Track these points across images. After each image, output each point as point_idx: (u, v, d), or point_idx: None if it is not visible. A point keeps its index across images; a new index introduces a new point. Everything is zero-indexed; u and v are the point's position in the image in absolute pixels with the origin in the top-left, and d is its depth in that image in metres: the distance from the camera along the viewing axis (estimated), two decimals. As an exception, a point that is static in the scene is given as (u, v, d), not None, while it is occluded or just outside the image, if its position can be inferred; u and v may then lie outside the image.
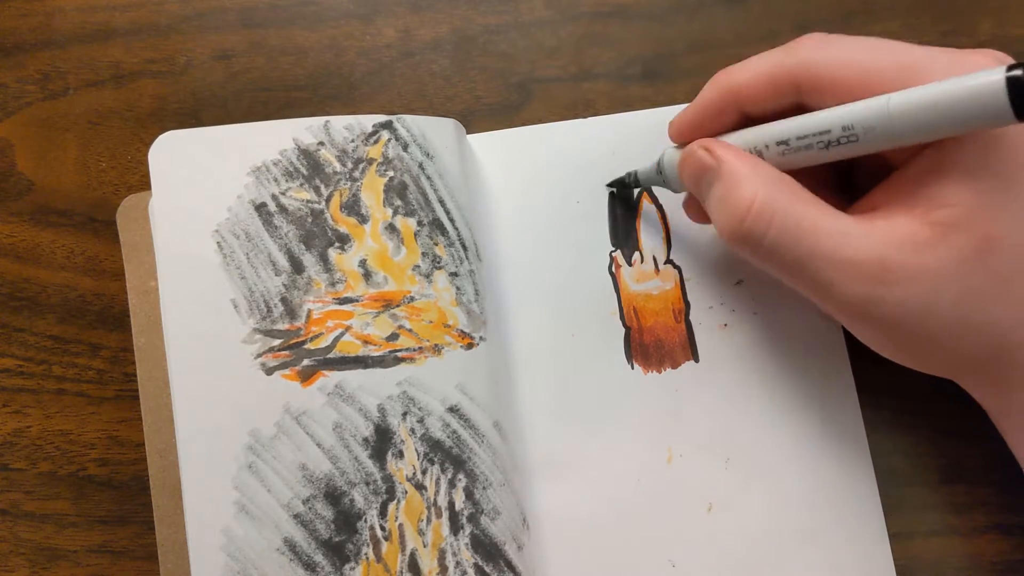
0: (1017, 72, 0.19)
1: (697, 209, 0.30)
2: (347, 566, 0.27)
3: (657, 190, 0.32)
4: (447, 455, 0.28)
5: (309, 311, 0.29)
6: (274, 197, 0.29)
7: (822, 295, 0.24)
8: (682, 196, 0.31)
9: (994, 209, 0.22)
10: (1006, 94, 0.20)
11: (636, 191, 0.32)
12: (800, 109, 0.25)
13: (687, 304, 0.31)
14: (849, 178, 0.28)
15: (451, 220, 0.30)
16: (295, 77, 0.33)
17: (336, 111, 0.33)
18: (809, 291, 0.25)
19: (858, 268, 0.23)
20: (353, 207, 0.29)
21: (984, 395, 0.26)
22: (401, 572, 0.27)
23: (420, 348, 0.29)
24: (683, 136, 0.28)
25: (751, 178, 0.24)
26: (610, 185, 0.32)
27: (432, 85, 0.33)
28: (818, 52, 0.24)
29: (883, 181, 0.25)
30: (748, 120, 0.26)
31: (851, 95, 0.23)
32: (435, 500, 0.28)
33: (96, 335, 0.32)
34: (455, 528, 0.28)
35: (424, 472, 0.28)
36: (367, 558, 0.27)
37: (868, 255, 0.23)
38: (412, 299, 0.29)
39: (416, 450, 0.28)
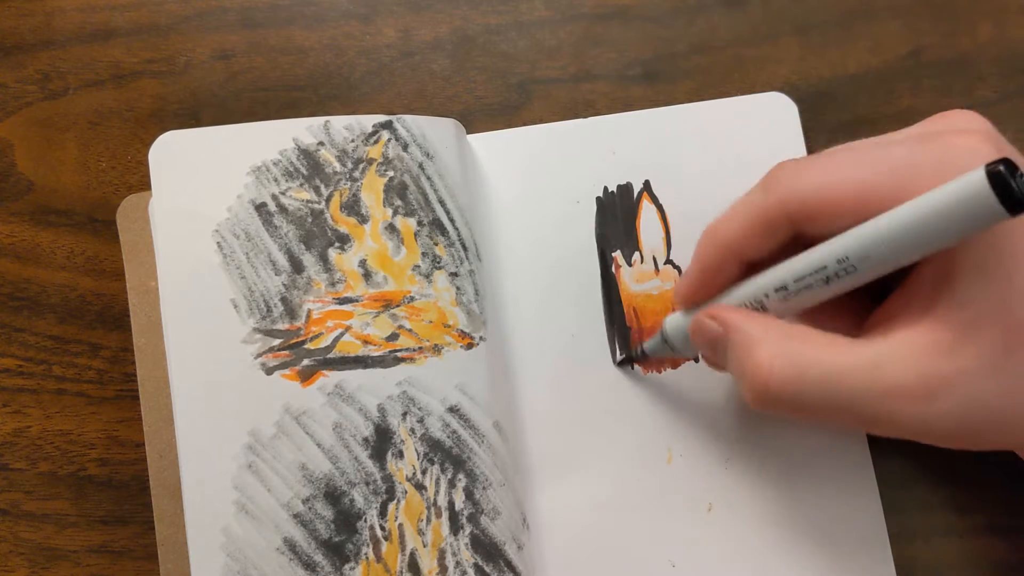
0: (997, 167, 0.19)
1: (716, 362, 0.29)
2: (347, 566, 0.27)
3: (658, 190, 0.32)
4: (447, 455, 0.28)
5: (309, 311, 0.29)
6: (274, 197, 0.29)
7: (874, 429, 0.24)
8: (688, 195, 0.31)
9: (1012, 299, 0.22)
10: (992, 194, 0.19)
11: (636, 192, 0.32)
12: (800, 239, 0.24)
13: (687, 304, 0.31)
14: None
15: (451, 220, 0.30)
16: (295, 77, 0.33)
17: (336, 111, 0.33)
18: (860, 428, 0.24)
19: (902, 393, 0.22)
20: (353, 207, 0.29)
21: None
22: (401, 572, 0.27)
23: (420, 348, 0.29)
24: (689, 301, 0.27)
25: (763, 341, 0.23)
26: (620, 364, 0.31)
27: (432, 85, 0.33)
28: (798, 182, 0.24)
29: (896, 290, 0.24)
30: (750, 266, 0.25)
31: (845, 214, 0.22)
32: (435, 500, 0.28)
33: (96, 335, 0.32)
34: (455, 528, 0.28)
35: (424, 472, 0.28)
36: (367, 558, 0.27)
37: (907, 378, 0.22)
38: (412, 299, 0.29)
39: (416, 450, 0.28)
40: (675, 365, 0.31)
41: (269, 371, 0.28)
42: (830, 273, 0.23)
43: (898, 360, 0.22)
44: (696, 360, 0.30)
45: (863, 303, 0.25)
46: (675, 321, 0.28)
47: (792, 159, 0.25)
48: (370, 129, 0.30)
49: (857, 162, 0.23)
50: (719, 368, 0.28)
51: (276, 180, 0.29)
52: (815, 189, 0.23)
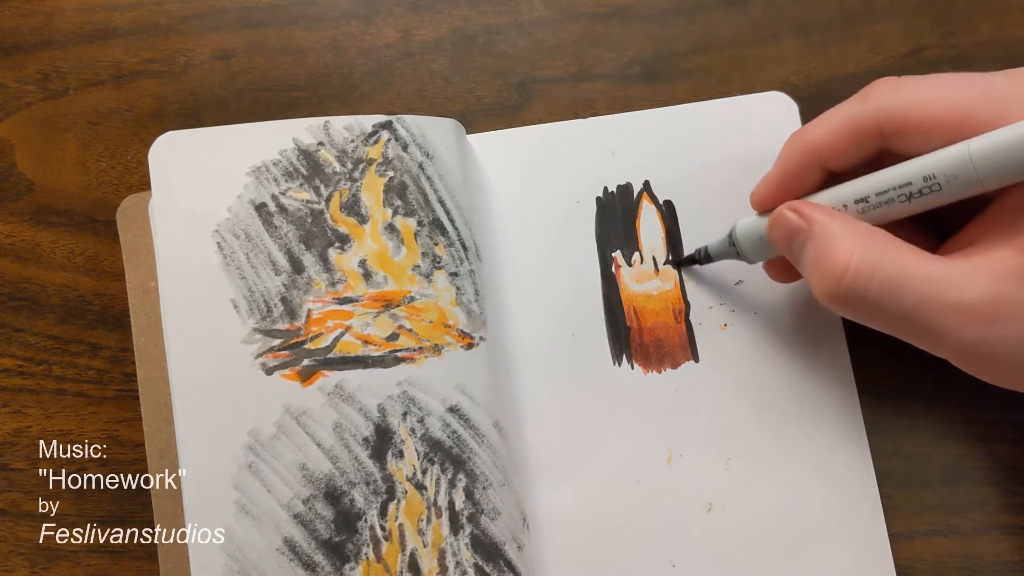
0: None
1: (779, 269, 0.29)
2: (347, 566, 0.27)
3: (658, 190, 0.32)
4: (447, 455, 0.28)
5: (309, 311, 0.29)
6: (274, 197, 0.29)
7: (933, 343, 0.24)
8: (688, 194, 0.31)
9: None
10: None
11: (636, 192, 0.32)
12: (884, 156, 0.25)
13: (687, 304, 0.31)
14: (934, 215, 0.28)
15: (451, 220, 0.30)
16: (295, 77, 0.33)
17: (336, 111, 0.33)
18: (918, 341, 0.24)
19: (968, 311, 0.22)
20: (353, 207, 0.29)
21: None
22: (401, 572, 0.27)
23: (420, 348, 0.29)
24: (767, 203, 0.27)
25: (845, 236, 0.24)
26: (677, 264, 0.31)
27: (432, 85, 0.33)
28: (895, 95, 0.24)
29: (978, 215, 0.24)
30: (831, 176, 0.26)
31: (937, 133, 0.23)
32: (435, 500, 0.28)
33: (96, 335, 0.32)
34: (455, 528, 0.28)
35: (424, 472, 0.28)
36: (367, 558, 0.27)
37: (976, 296, 0.22)
38: (412, 299, 0.29)
39: (416, 450, 0.28)
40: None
41: (269, 371, 0.28)
42: (914, 190, 0.23)
43: (971, 279, 0.22)
44: (751, 262, 0.29)
45: (933, 235, 0.26)
46: (746, 224, 0.28)
47: (891, 77, 0.25)
48: (370, 129, 0.30)
49: (955, 84, 0.23)
50: (780, 276, 0.29)
51: (276, 180, 0.29)
52: (912, 104, 0.24)
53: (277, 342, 0.28)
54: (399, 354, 0.29)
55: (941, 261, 0.23)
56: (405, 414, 0.28)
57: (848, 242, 0.23)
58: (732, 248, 0.29)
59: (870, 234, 0.24)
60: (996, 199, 0.24)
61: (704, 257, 0.30)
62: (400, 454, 0.28)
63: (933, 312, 0.23)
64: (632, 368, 0.31)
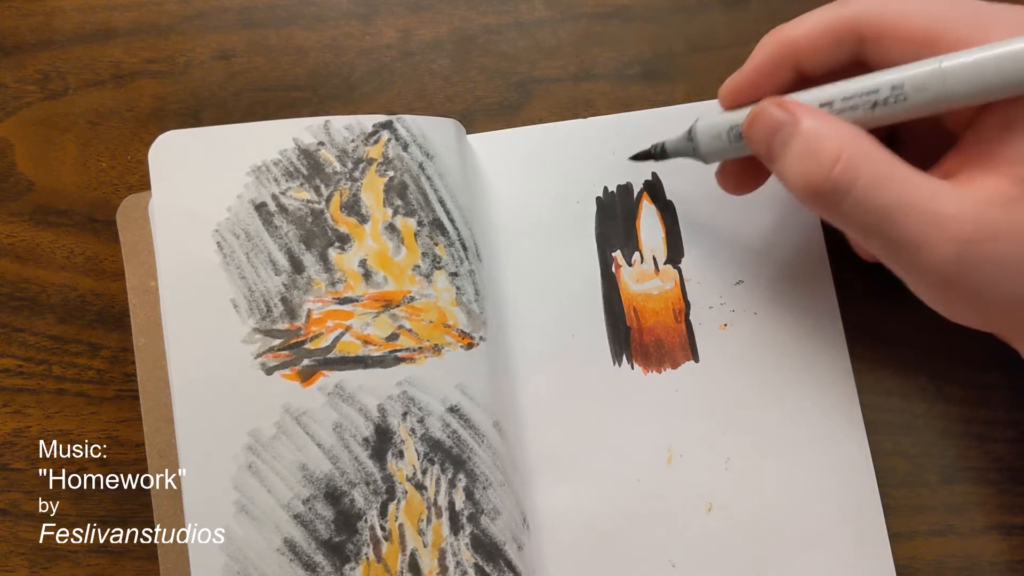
0: None
1: (733, 178, 0.29)
2: (347, 566, 0.27)
3: (657, 189, 0.32)
4: (447, 455, 0.28)
5: (309, 311, 0.29)
6: (274, 197, 0.29)
7: (909, 254, 0.23)
8: (688, 194, 0.31)
9: None
10: None
11: (636, 192, 0.32)
12: (857, 65, 0.24)
13: (687, 304, 0.31)
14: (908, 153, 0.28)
15: (451, 220, 0.30)
16: (295, 77, 0.33)
17: (336, 111, 0.33)
18: (893, 250, 0.23)
19: (952, 224, 0.22)
20: (353, 207, 0.29)
21: None
22: (401, 572, 0.27)
23: (420, 348, 0.29)
24: (736, 99, 0.27)
25: (834, 131, 0.23)
26: (634, 158, 0.31)
27: (432, 85, 0.33)
28: (878, 1, 0.24)
29: (955, 146, 0.24)
30: (802, 79, 0.26)
31: (914, 44, 0.23)
32: (435, 500, 0.28)
33: (96, 335, 0.32)
34: (455, 528, 0.28)
35: (424, 472, 0.28)
36: (367, 558, 0.27)
37: (961, 210, 0.22)
38: (412, 299, 0.29)
39: (416, 450, 0.28)
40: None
41: (269, 371, 0.28)
42: (879, 98, 0.23)
43: (956, 198, 0.22)
44: (706, 161, 0.29)
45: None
46: (708, 121, 0.27)
47: None
48: (370, 129, 0.30)
49: (942, 0, 0.23)
50: (731, 186, 0.29)
51: (276, 180, 0.29)
52: (894, 12, 0.24)
53: (277, 342, 0.28)
54: (399, 354, 0.29)
55: (929, 176, 0.23)
56: (405, 414, 0.28)
57: (838, 136, 0.23)
58: (690, 144, 0.28)
59: (859, 135, 0.23)
60: (968, 130, 0.24)
61: (660, 153, 0.30)
62: (400, 454, 0.28)
63: (917, 218, 0.22)
64: (632, 368, 0.31)
